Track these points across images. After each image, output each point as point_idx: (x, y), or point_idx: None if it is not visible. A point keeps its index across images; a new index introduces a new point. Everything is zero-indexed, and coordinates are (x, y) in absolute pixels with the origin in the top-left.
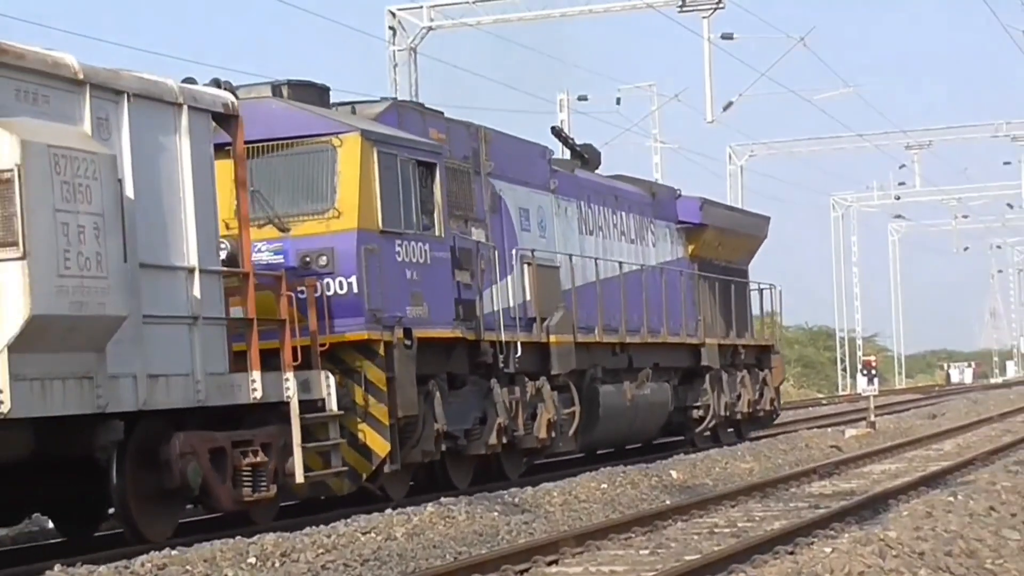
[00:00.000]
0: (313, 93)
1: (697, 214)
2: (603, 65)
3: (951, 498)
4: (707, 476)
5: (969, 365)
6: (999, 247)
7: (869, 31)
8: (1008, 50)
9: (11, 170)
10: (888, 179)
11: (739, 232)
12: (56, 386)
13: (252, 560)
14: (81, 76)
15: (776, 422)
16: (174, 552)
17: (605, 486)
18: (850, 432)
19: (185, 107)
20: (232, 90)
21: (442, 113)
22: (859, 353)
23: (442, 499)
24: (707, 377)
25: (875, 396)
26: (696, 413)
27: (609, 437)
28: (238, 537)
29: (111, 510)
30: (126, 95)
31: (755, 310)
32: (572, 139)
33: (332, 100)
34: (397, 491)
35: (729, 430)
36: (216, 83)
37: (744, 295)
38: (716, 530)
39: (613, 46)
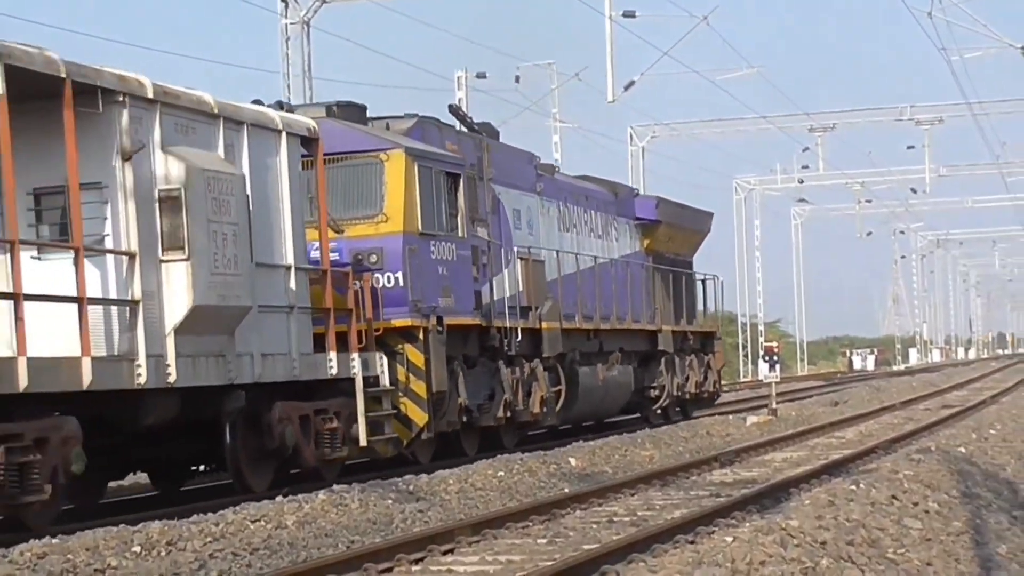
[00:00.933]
0: (355, 111)
1: (653, 211)
2: (502, 43)
3: (853, 487)
4: (606, 464)
5: (872, 352)
6: (902, 232)
7: (773, 12)
8: (914, 34)
9: (179, 189)
10: (792, 162)
11: (687, 227)
12: (201, 362)
13: (137, 549)
14: (216, 111)
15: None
16: (55, 540)
17: (502, 474)
18: (752, 419)
19: (284, 133)
20: (291, 109)
21: (454, 128)
22: (761, 339)
23: (335, 486)
24: (662, 360)
25: (777, 383)
26: (652, 393)
27: (584, 413)
28: (122, 525)
29: (202, 468)
30: (246, 125)
31: (699, 299)
32: (470, 117)
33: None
34: (425, 455)
35: (676, 409)
36: (280, 104)
37: (690, 285)
38: (615, 519)
39: (513, 23)
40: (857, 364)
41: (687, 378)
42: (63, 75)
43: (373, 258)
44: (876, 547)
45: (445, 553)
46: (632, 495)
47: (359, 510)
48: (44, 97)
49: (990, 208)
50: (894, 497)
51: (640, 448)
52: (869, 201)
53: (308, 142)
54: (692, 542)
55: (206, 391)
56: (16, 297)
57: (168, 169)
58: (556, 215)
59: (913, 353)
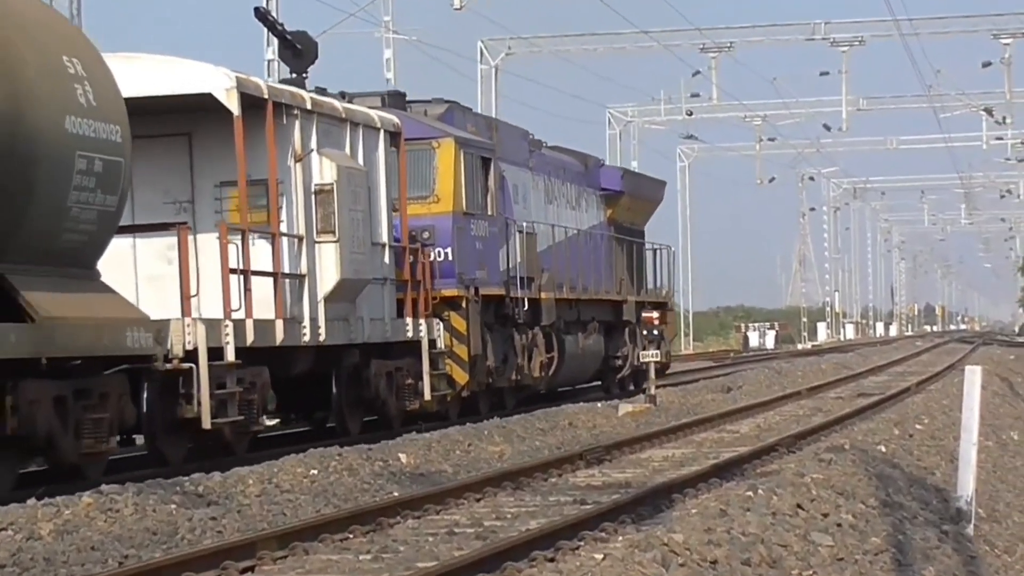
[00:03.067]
0: (399, 99)
1: (619, 182)
2: None
3: (750, 493)
4: (445, 461)
5: (772, 327)
6: (812, 179)
7: None
8: None
9: (331, 184)
10: (679, 90)
11: (645, 197)
12: (336, 325)
13: None
14: (344, 116)
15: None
16: None
17: (316, 472)
18: (624, 408)
19: (381, 130)
20: (351, 99)
21: (471, 109)
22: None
23: (103, 487)
24: (626, 331)
25: (657, 364)
26: (616, 363)
27: (567, 379)
28: None
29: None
30: (361, 126)
31: (651, 269)
32: (281, 25)
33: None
34: (455, 412)
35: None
36: (342, 94)
37: (644, 255)
38: (457, 530)
39: None
40: (754, 341)
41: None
42: (265, 96)
43: (426, 235)
44: (778, 567)
45: (244, 571)
46: (478, 500)
47: (134, 517)
48: (245, 110)
49: (919, 151)
50: (799, 506)
51: (487, 442)
52: (772, 139)
53: (394, 136)
54: (552, 559)
55: (331, 348)
56: (245, 273)
57: (322, 168)
58: (543, 188)
59: (822, 329)
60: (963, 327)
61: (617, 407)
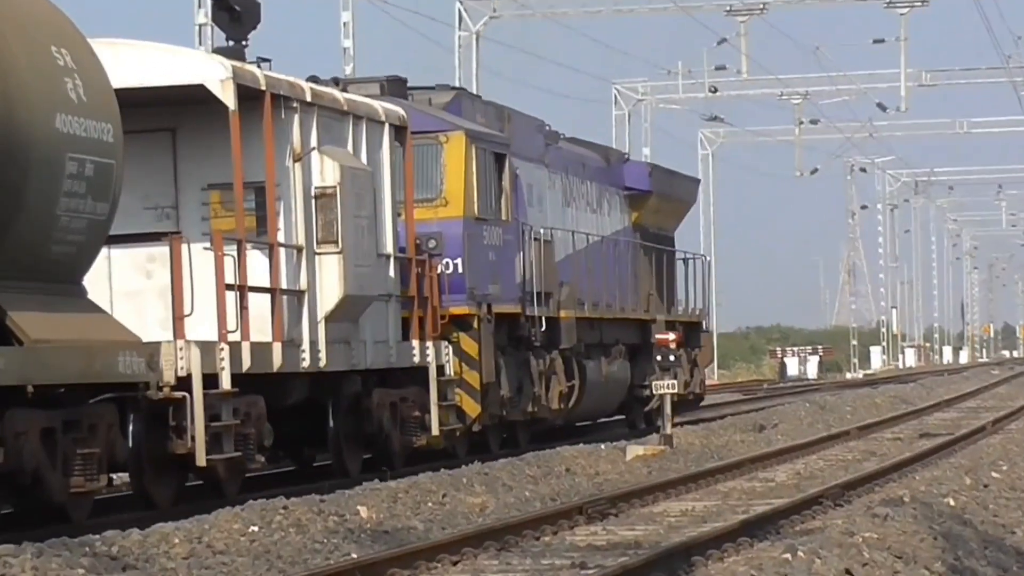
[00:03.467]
0: (399, 86)
1: (646, 180)
2: None
3: (787, 555)
4: (415, 515)
5: (814, 352)
6: (863, 170)
7: None
8: None
9: (334, 187)
10: (701, 62)
11: (676, 198)
12: (337, 348)
13: None
14: (346, 108)
15: (550, 429)
16: None
17: (256, 528)
18: (634, 450)
19: (386, 124)
20: (346, 87)
21: (480, 97)
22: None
23: None
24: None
25: (674, 395)
26: (643, 392)
27: (589, 411)
28: None
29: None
30: (364, 120)
31: (683, 281)
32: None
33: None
34: (463, 448)
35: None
36: (335, 81)
37: (674, 266)
38: None
39: None
40: (792, 369)
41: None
42: (263, 87)
43: (432, 243)
44: None
45: None
46: (454, 564)
47: None
48: (240, 104)
49: (995, 136)
50: (848, 572)
51: (466, 492)
52: (815, 122)
53: (400, 130)
54: None
55: (329, 375)
56: (241, 289)
57: (323, 168)
58: (560, 188)
59: (876, 354)
60: None
61: (625, 450)
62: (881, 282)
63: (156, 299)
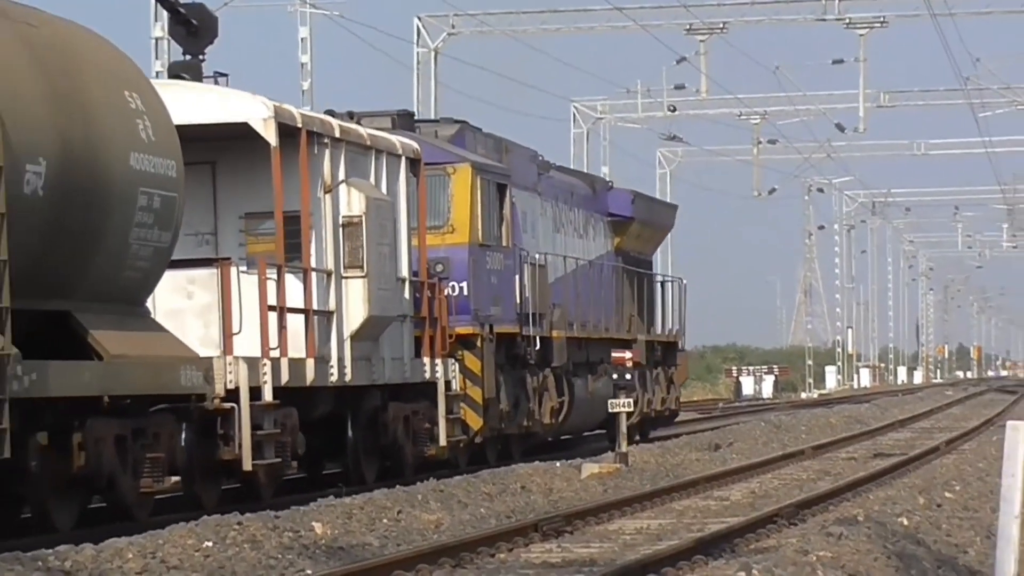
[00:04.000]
0: (408, 119)
1: (628, 207)
2: None
3: (742, 573)
4: (369, 532)
5: (770, 371)
6: (821, 191)
7: None
8: None
9: (360, 216)
10: (660, 80)
11: (656, 224)
12: (360, 364)
13: None
14: (369, 143)
15: (540, 443)
16: None
17: (210, 544)
18: (589, 469)
19: (403, 157)
20: (359, 120)
21: (480, 130)
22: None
23: None
24: (635, 374)
25: (628, 413)
26: None
27: (576, 426)
28: None
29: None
30: (385, 154)
31: (661, 304)
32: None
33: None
34: (463, 460)
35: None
36: (350, 115)
37: (653, 288)
38: None
39: None
40: (748, 388)
41: (654, 393)
42: (299, 125)
43: (439, 267)
44: None
45: None
46: None
47: None
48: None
49: (952, 158)
50: None
51: (421, 509)
52: (773, 142)
53: (414, 163)
54: None
55: (351, 390)
56: (280, 309)
57: (350, 199)
58: (551, 215)
59: (831, 374)
60: (1004, 374)
61: (580, 467)
62: (837, 302)
63: (195, 318)
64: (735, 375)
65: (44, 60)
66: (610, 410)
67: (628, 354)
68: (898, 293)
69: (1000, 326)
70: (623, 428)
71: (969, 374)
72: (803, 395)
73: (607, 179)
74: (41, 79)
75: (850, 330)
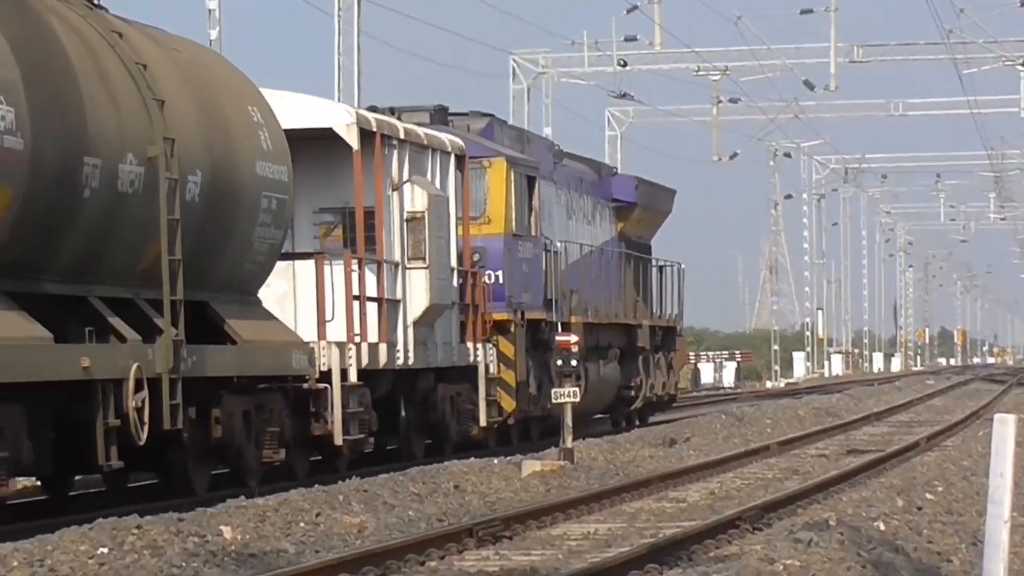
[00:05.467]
0: (442, 113)
1: (632, 193)
2: None
3: None
4: (284, 536)
5: (731, 357)
6: (788, 155)
7: None
8: None
9: (422, 212)
10: (609, 32)
11: (657, 209)
12: (419, 348)
13: None
14: (426, 142)
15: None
16: None
17: (105, 550)
18: (530, 466)
19: (452, 155)
20: (400, 115)
21: (506, 122)
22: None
23: None
24: (639, 358)
25: (574, 404)
26: (628, 393)
27: (586, 409)
28: None
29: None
30: (439, 152)
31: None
32: None
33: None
34: (492, 441)
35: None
36: (391, 110)
37: (651, 273)
38: None
39: None
40: (707, 376)
41: (655, 378)
42: (374, 129)
43: (476, 256)
44: None
45: None
46: None
47: None
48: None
49: (933, 119)
50: None
51: (342, 511)
52: (735, 101)
53: (460, 159)
54: None
55: (407, 372)
56: (360, 299)
57: (414, 196)
58: (564, 203)
59: (800, 360)
60: (991, 361)
61: (520, 465)
62: (806, 280)
63: (273, 305)
64: (692, 361)
65: (192, 81)
66: (553, 400)
67: (573, 337)
68: (873, 270)
69: (987, 308)
70: (568, 421)
71: (952, 361)
72: (768, 384)
73: (611, 165)
74: (192, 100)
75: (820, 312)
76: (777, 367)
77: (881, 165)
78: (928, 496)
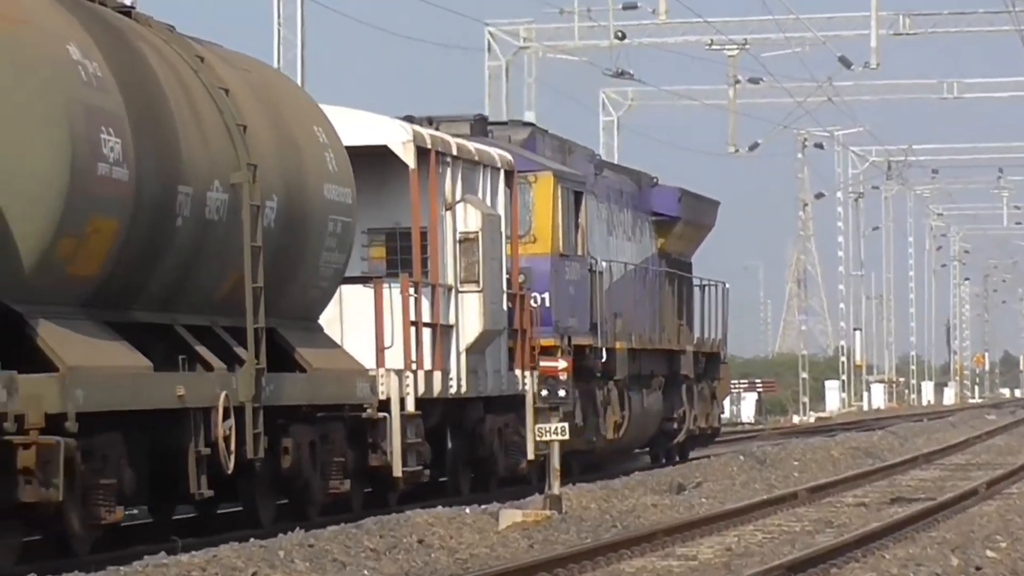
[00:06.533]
0: (482, 124)
1: (675, 206)
2: None
3: None
4: None
5: (752, 386)
6: (819, 147)
7: None
8: None
9: (476, 232)
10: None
11: (699, 223)
12: (470, 376)
13: None
14: (477, 158)
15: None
16: None
17: None
18: (510, 517)
19: (501, 170)
20: (438, 125)
21: (547, 131)
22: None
23: None
24: (683, 387)
25: (561, 441)
26: (671, 425)
27: (629, 443)
28: None
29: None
30: (489, 168)
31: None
32: None
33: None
34: (534, 475)
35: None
36: (429, 120)
37: (692, 293)
38: None
39: None
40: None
41: (699, 409)
42: (429, 147)
43: (521, 278)
44: None
45: None
46: None
47: None
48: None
49: (994, 102)
50: None
51: (283, 570)
52: (756, 81)
53: (508, 174)
54: None
55: (456, 401)
56: (416, 325)
57: (467, 215)
58: (604, 217)
59: (833, 391)
60: None
61: (498, 515)
62: (840, 296)
63: (338, 330)
64: None
65: (264, 103)
66: (537, 438)
67: (562, 363)
68: (922, 284)
69: None
70: (555, 464)
71: (1017, 392)
72: (795, 419)
73: (651, 175)
74: (267, 123)
75: (858, 333)
76: (806, 399)
77: (931, 158)
78: (989, 553)
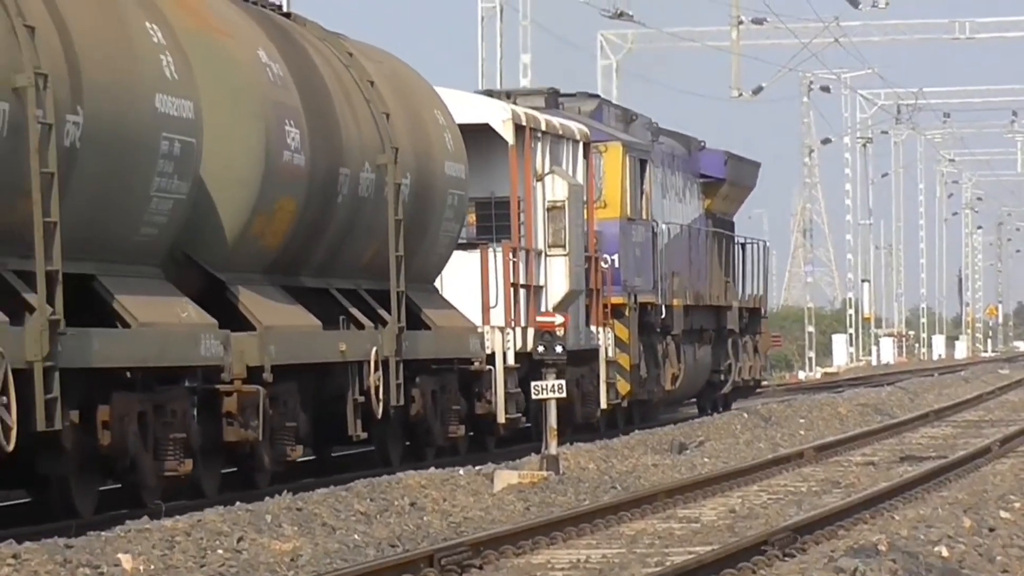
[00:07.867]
0: (554, 97)
1: (722, 169)
2: None
3: None
4: (199, 567)
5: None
6: (826, 90)
7: None
8: None
9: (563, 200)
10: None
11: (743, 185)
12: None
13: None
14: (561, 132)
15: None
16: None
17: None
18: (505, 478)
19: (580, 142)
20: (515, 99)
21: (611, 102)
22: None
23: None
24: (729, 341)
25: (558, 400)
26: (718, 377)
27: (683, 393)
28: None
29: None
30: (571, 141)
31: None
32: None
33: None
34: (603, 424)
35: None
36: (507, 94)
37: (736, 252)
38: None
39: None
40: None
41: (743, 362)
42: (524, 124)
43: (592, 240)
44: None
45: None
46: None
47: None
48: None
49: (1007, 43)
50: None
51: (271, 535)
52: (760, 22)
53: (586, 146)
54: None
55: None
56: (514, 286)
57: (555, 186)
58: (660, 181)
59: (841, 345)
60: None
61: (493, 476)
62: (848, 246)
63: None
64: None
65: (398, 91)
66: (534, 396)
67: (558, 319)
68: (933, 233)
69: None
70: (552, 422)
71: None
72: (801, 375)
73: (699, 139)
74: (402, 110)
75: (866, 284)
76: (812, 354)
77: (943, 101)
78: (1003, 514)
